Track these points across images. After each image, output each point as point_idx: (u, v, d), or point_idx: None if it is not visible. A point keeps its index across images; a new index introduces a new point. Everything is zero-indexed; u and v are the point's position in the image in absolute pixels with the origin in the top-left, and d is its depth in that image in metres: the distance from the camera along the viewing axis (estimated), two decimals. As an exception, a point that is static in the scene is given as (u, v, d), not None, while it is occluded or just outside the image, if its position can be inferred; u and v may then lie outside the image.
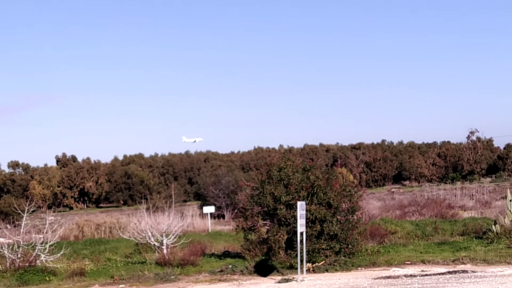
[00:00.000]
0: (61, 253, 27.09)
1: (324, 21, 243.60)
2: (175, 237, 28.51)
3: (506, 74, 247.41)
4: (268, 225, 25.70)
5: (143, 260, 27.61)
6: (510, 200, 31.12)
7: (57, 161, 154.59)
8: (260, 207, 25.64)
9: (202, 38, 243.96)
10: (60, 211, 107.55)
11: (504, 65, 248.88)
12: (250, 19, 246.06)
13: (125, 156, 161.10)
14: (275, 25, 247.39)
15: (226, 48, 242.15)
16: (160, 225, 28.92)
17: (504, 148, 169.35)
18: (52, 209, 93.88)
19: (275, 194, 25.07)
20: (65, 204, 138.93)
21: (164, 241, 28.13)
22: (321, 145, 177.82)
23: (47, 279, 24.45)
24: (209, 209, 50.30)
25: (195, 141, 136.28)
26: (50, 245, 27.13)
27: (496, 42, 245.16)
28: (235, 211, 47.59)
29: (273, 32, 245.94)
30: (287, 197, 24.86)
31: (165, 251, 27.81)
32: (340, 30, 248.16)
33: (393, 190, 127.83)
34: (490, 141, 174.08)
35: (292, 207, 24.44)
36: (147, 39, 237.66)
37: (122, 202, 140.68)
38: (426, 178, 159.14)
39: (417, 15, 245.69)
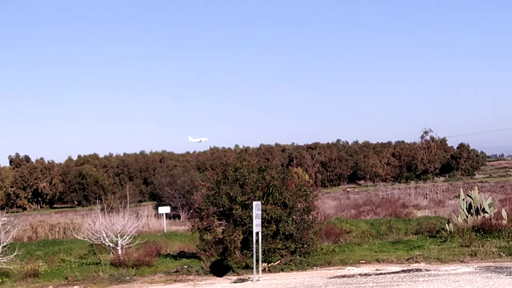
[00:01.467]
0: (15, 254, 26.70)
1: (275, 19, 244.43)
2: (130, 238, 28.34)
3: (460, 74, 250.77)
4: (223, 225, 25.66)
5: (98, 261, 27.39)
6: (463, 199, 31.59)
7: (10, 161, 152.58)
8: (215, 207, 25.60)
9: (143, 37, 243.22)
10: (14, 212, 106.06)
11: (458, 66, 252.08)
12: (202, 16, 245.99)
13: (79, 156, 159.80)
14: (224, 23, 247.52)
15: (180, 46, 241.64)
16: (115, 225, 28.69)
17: (457, 148, 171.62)
18: (5, 209, 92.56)
19: (231, 194, 25.06)
20: (18, 204, 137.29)
21: (119, 242, 27.95)
22: (276, 145, 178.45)
23: (0, 280, 24.13)
24: (164, 210, 50.07)
25: (200, 141, 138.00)
26: (3, 246, 26.74)
27: (450, 42, 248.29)
28: (191, 211, 47.43)
29: (226, 30, 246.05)
30: (242, 197, 24.86)
31: (120, 251, 27.62)
32: (286, 27, 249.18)
33: (348, 189, 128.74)
34: (443, 140, 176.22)
35: (247, 207, 24.45)
36: (91, 38, 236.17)
37: (76, 203, 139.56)
38: (381, 178, 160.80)
39: (367, 11, 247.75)
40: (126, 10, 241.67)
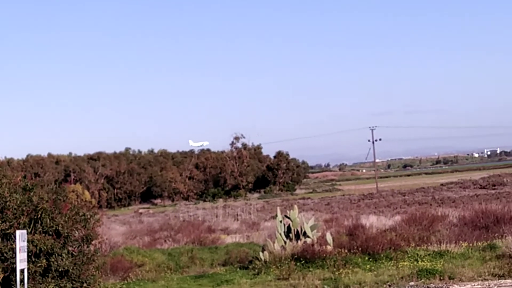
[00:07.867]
0: None
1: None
2: None
3: (280, 68, 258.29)
4: (-22, 262, 24.97)
5: None
6: (281, 221, 32.26)
7: None
8: (-34, 239, 24.86)
9: None
10: None
11: (275, 61, 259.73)
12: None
13: None
14: None
15: None
16: None
17: (275, 157, 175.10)
18: None
19: (-13, 222, 24.43)
20: None
21: None
22: (49, 155, 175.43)
23: None
24: None
25: (202, 145, 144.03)
26: None
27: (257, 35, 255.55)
28: None
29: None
30: (2, 225, 24.26)
31: None
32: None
33: (141, 211, 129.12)
34: (258, 148, 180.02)
35: (9, 237, 23.88)
36: None
37: None
38: (182, 195, 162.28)
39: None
40: None
